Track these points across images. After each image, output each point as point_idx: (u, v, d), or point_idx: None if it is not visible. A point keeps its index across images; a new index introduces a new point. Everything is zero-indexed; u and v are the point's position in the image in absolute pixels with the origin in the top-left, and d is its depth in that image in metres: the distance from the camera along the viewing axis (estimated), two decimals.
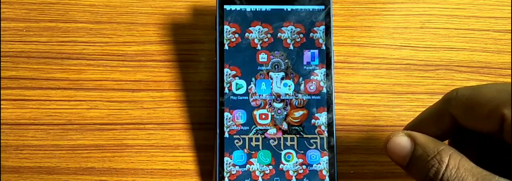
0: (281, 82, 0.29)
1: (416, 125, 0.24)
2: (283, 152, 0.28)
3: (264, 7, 0.29)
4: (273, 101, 0.28)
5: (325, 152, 0.28)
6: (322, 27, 0.29)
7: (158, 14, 0.34)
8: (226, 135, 0.28)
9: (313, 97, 0.28)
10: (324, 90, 0.28)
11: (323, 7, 0.29)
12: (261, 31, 0.29)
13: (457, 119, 0.22)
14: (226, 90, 0.28)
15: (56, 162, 0.31)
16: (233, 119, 0.28)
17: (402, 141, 0.21)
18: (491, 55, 0.34)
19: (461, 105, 0.21)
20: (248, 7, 0.29)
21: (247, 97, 0.28)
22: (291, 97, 0.28)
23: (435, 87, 0.33)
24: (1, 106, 0.32)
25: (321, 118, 0.28)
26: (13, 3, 0.34)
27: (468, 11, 0.35)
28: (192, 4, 0.34)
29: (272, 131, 0.28)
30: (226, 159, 0.28)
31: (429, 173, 0.20)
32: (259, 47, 0.29)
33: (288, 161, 0.28)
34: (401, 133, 0.22)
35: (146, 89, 0.32)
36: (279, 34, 0.29)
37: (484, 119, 0.20)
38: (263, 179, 0.28)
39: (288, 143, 0.28)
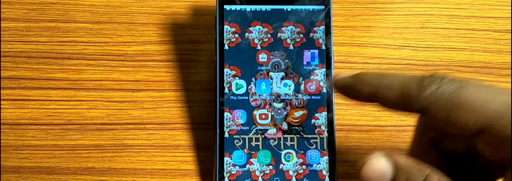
0: (281, 82, 0.29)
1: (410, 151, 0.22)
2: (283, 152, 0.28)
3: (264, 7, 0.29)
4: (273, 101, 0.28)
5: (325, 152, 0.28)
6: (322, 27, 0.29)
7: (158, 14, 0.34)
8: (226, 135, 0.28)
9: (313, 97, 0.28)
10: (324, 90, 0.28)
11: (323, 7, 0.29)
12: (261, 31, 0.29)
13: (435, 123, 0.19)
14: (226, 90, 0.28)
15: (56, 162, 0.31)
16: (233, 119, 0.28)
17: (381, 165, 0.18)
18: (491, 55, 0.34)
19: (435, 105, 0.18)
20: (248, 7, 0.29)
21: (247, 97, 0.28)
22: (291, 97, 0.28)
23: None
24: (1, 106, 0.32)
25: (321, 118, 0.28)
26: (13, 3, 0.34)
27: (468, 11, 0.35)
28: (192, 4, 0.34)
29: (272, 131, 0.28)
30: (226, 159, 0.28)
31: None
32: (259, 47, 0.29)
33: (288, 161, 0.28)
34: (379, 154, 0.18)
35: (146, 89, 0.32)
36: (279, 34, 0.29)
37: (462, 128, 0.18)
38: (263, 179, 0.28)
39: (288, 143, 0.28)
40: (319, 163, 0.28)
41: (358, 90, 0.20)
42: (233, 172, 0.28)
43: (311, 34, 0.29)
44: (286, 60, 0.29)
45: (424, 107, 0.18)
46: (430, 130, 0.21)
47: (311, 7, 0.29)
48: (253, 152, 0.28)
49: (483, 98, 0.17)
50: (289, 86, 0.28)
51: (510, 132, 0.16)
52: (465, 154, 0.20)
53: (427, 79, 0.18)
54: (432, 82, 0.18)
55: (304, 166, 0.28)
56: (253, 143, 0.28)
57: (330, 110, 0.28)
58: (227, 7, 0.29)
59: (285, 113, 0.28)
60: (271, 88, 0.28)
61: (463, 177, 0.21)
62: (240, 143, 0.28)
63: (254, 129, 0.28)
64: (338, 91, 0.21)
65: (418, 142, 0.22)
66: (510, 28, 0.35)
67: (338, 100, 0.32)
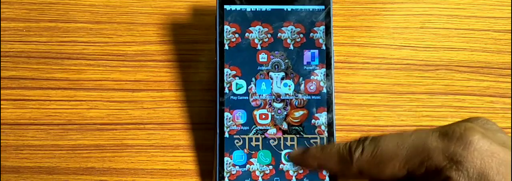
0: (281, 82, 0.29)
1: None
2: (283, 152, 0.28)
3: (264, 7, 0.29)
4: (273, 101, 0.28)
5: None
6: (322, 27, 0.29)
7: (158, 14, 0.34)
8: (226, 135, 0.28)
9: (313, 97, 0.28)
10: (324, 90, 0.28)
11: (323, 7, 0.29)
12: (261, 31, 0.29)
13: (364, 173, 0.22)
14: (226, 90, 0.28)
15: (56, 162, 0.31)
16: (233, 119, 0.28)
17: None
18: (491, 55, 0.34)
19: (365, 163, 0.22)
20: (248, 7, 0.29)
21: (247, 97, 0.28)
22: (291, 97, 0.28)
23: (435, 87, 0.33)
24: (1, 106, 0.32)
25: (321, 118, 0.28)
26: (13, 3, 0.34)
27: (468, 11, 0.35)
28: (192, 4, 0.34)
29: (272, 131, 0.28)
30: (226, 159, 0.28)
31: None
32: (259, 47, 0.29)
33: (288, 161, 0.28)
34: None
35: (146, 89, 0.32)
36: (279, 34, 0.29)
37: (394, 176, 0.21)
38: (263, 179, 0.28)
39: (288, 143, 0.28)
40: None
41: (307, 163, 0.25)
42: (233, 172, 0.28)
43: (311, 34, 0.29)
44: (286, 60, 0.29)
45: (358, 170, 0.22)
46: None
47: (311, 7, 0.29)
48: (253, 152, 0.28)
49: (394, 147, 0.21)
50: (289, 86, 0.28)
51: (425, 165, 0.20)
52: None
53: (353, 146, 0.22)
54: (357, 147, 0.22)
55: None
56: (253, 143, 0.28)
57: (330, 110, 0.28)
58: (227, 7, 0.29)
59: (285, 113, 0.28)
60: (271, 88, 0.28)
61: None
62: (240, 143, 0.28)
63: (254, 129, 0.28)
64: (295, 164, 0.27)
65: None
66: (510, 28, 0.35)
67: (338, 100, 0.32)
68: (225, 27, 0.29)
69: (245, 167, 0.28)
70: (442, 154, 0.19)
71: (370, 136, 0.22)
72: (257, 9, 0.29)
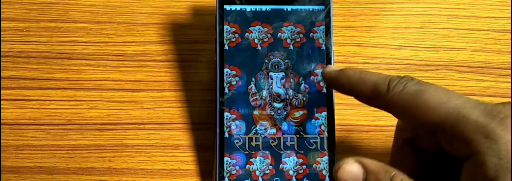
0: (281, 82, 0.29)
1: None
2: (283, 152, 0.28)
3: (264, 7, 0.29)
4: (273, 101, 0.28)
5: (325, 152, 0.28)
6: (322, 27, 0.29)
7: (158, 14, 0.34)
8: (226, 135, 0.28)
9: (313, 97, 0.28)
10: (324, 90, 0.28)
11: (323, 7, 0.29)
12: (261, 31, 0.29)
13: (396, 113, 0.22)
14: (226, 90, 0.28)
15: (56, 162, 0.31)
16: (233, 119, 0.28)
17: (353, 168, 0.21)
18: (491, 55, 0.34)
19: (398, 102, 0.21)
20: (248, 7, 0.29)
21: (247, 97, 0.28)
22: (291, 97, 0.28)
23: None
24: (1, 106, 0.32)
25: (321, 118, 0.28)
26: (13, 3, 0.34)
27: (468, 11, 0.35)
28: (192, 4, 0.34)
29: (272, 131, 0.28)
30: (226, 159, 0.28)
31: None
32: (259, 47, 0.29)
33: (288, 161, 0.28)
34: (351, 160, 0.21)
35: (146, 89, 0.32)
36: (279, 34, 0.29)
37: (420, 124, 0.21)
38: (263, 179, 0.28)
39: (288, 143, 0.28)
40: (319, 163, 0.28)
41: (340, 83, 0.23)
42: (233, 172, 0.28)
43: (311, 34, 0.29)
44: (286, 60, 0.29)
45: (388, 104, 0.21)
46: (404, 131, 0.24)
47: (311, 7, 0.29)
48: (253, 152, 0.28)
49: (439, 101, 0.20)
50: (289, 86, 0.28)
51: (457, 131, 0.19)
52: (439, 153, 0.22)
53: (395, 80, 0.21)
54: (399, 83, 0.21)
55: (304, 166, 0.28)
56: (253, 143, 0.28)
57: (330, 110, 0.28)
58: (227, 7, 0.29)
59: (285, 113, 0.28)
60: (271, 88, 0.28)
61: (441, 176, 0.23)
62: (240, 143, 0.28)
63: (254, 129, 0.28)
64: (324, 81, 0.25)
65: (396, 142, 0.24)
66: (510, 28, 0.35)
67: (338, 100, 0.32)
68: (225, 27, 0.29)
69: (245, 167, 0.28)
70: (479, 129, 0.19)
71: (416, 78, 0.21)
72: (257, 9, 0.29)
